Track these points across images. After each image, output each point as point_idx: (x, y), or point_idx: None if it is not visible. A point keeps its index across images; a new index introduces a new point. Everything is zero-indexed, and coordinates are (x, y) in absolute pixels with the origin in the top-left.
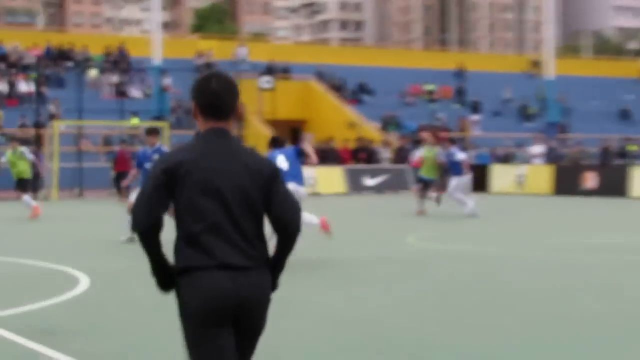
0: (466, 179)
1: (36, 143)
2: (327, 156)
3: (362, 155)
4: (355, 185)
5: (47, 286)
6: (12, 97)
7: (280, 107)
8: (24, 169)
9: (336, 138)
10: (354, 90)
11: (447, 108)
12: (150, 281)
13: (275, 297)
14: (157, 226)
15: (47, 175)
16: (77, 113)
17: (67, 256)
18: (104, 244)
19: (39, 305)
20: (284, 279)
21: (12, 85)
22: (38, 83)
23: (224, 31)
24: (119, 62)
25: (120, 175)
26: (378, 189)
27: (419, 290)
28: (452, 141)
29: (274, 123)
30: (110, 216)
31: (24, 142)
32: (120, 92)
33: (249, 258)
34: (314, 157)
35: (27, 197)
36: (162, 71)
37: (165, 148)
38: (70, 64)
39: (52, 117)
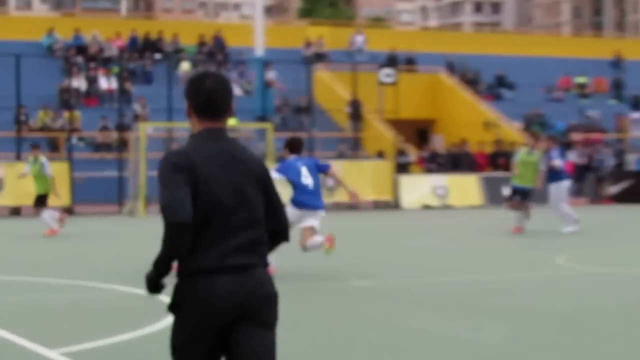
0: (564, 185)
1: (119, 148)
2: (460, 162)
3: (501, 160)
4: (492, 196)
5: (140, 314)
6: (92, 96)
7: (404, 104)
8: (43, 184)
9: (470, 140)
10: (490, 84)
11: (601, 104)
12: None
13: (391, 327)
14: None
15: (132, 186)
16: (166, 113)
17: None
18: None
19: (133, 335)
20: (400, 307)
21: (91, 81)
22: (121, 79)
23: (338, 16)
24: (214, 53)
25: None
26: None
27: (568, 319)
28: (553, 140)
29: (396, 123)
30: None
31: (106, 147)
32: None
33: (253, 257)
34: (349, 187)
35: (47, 214)
36: (265, 63)
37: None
38: (158, 56)
39: (137, 118)
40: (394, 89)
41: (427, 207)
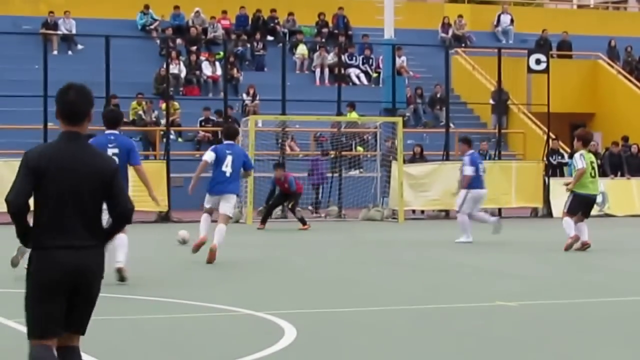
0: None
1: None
2: (622, 163)
3: None
4: None
5: (244, 338)
6: (192, 84)
7: (558, 95)
8: None
9: (636, 139)
10: None
11: None
12: None
13: None
14: (25, 206)
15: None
16: (280, 105)
17: (262, 298)
18: (304, 282)
19: None
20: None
21: (192, 67)
22: (227, 64)
23: None
24: (336, 35)
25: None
26: None
27: None
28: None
29: (548, 117)
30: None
31: (209, 144)
32: (339, 76)
33: (87, 239)
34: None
35: None
36: (395, 47)
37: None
38: (270, 38)
39: (246, 110)
40: (545, 78)
41: None
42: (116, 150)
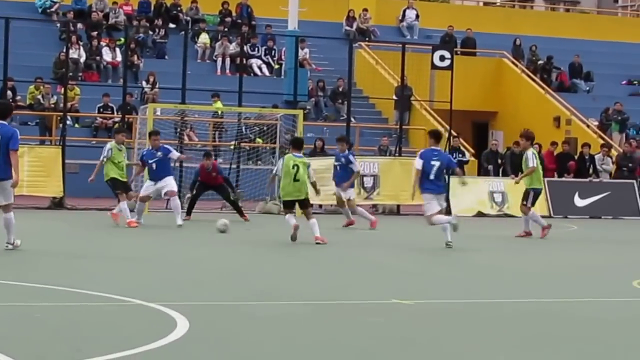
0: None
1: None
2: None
3: (572, 164)
4: (561, 205)
5: (136, 328)
6: (92, 70)
7: (461, 92)
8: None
9: (538, 139)
10: (563, 74)
11: None
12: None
13: None
14: None
15: (134, 178)
16: (179, 94)
17: (155, 289)
18: (209, 273)
19: (134, 352)
20: None
21: (92, 52)
22: (127, 51)
23: None
24: (239, 25)
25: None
26: (591, 211)
27: None
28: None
29: (450, 114)
30: (221, 238)
31: (107, 131)
32: (241, 66)
33: None
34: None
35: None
36: (299, 39)
37: (169, 148)
38: (172, 25)
39: (145, 97)
40: (448, 75)
41: (481, 215)
42: None
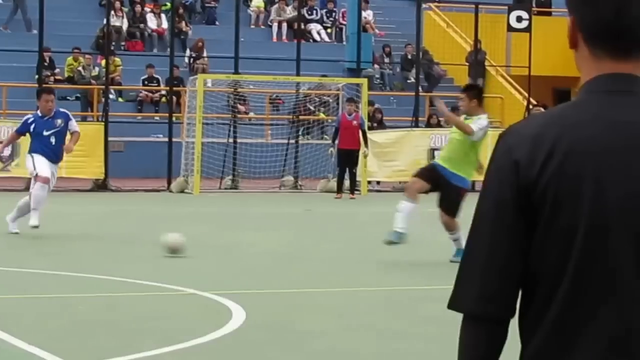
0: None
1: (169, 107)
2: None
3: None
4: None
5: (191, 319)
6: (135, 38)
7: (540, 57)
8: None
9: None
10: None
11: None
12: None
13: None
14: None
15: (184, 156)
16: (232, 63)
17: (212, 279)
18: (263, 259)
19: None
20: None
21: (136, 20)
22: (174, 17)
23: None
24: None
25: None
26: None
27: None
28: None
29: (529, 81)
30: (278, 220)
31: (153, 105)
32: (298, 32)
33: None
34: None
35: None
36: (361, 1)
37: (65, 112)
38: None
39: (194, 68)
40: (526, 38)
41: None
42: None
